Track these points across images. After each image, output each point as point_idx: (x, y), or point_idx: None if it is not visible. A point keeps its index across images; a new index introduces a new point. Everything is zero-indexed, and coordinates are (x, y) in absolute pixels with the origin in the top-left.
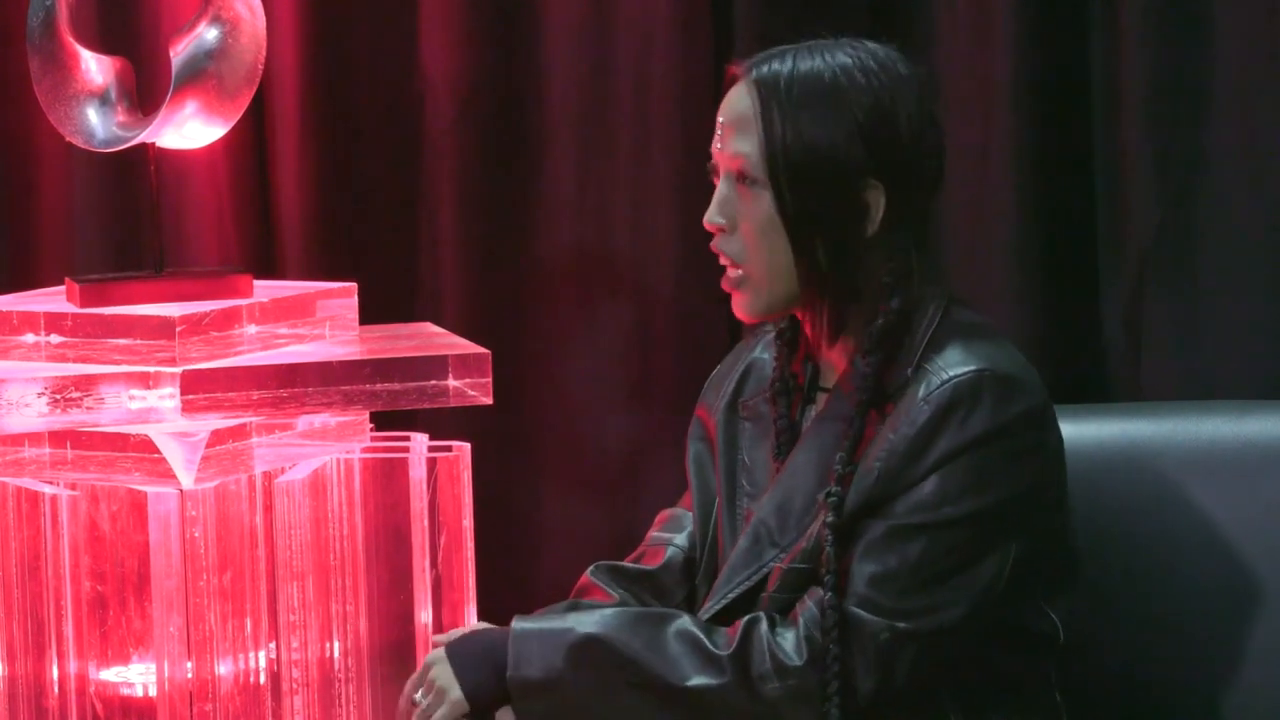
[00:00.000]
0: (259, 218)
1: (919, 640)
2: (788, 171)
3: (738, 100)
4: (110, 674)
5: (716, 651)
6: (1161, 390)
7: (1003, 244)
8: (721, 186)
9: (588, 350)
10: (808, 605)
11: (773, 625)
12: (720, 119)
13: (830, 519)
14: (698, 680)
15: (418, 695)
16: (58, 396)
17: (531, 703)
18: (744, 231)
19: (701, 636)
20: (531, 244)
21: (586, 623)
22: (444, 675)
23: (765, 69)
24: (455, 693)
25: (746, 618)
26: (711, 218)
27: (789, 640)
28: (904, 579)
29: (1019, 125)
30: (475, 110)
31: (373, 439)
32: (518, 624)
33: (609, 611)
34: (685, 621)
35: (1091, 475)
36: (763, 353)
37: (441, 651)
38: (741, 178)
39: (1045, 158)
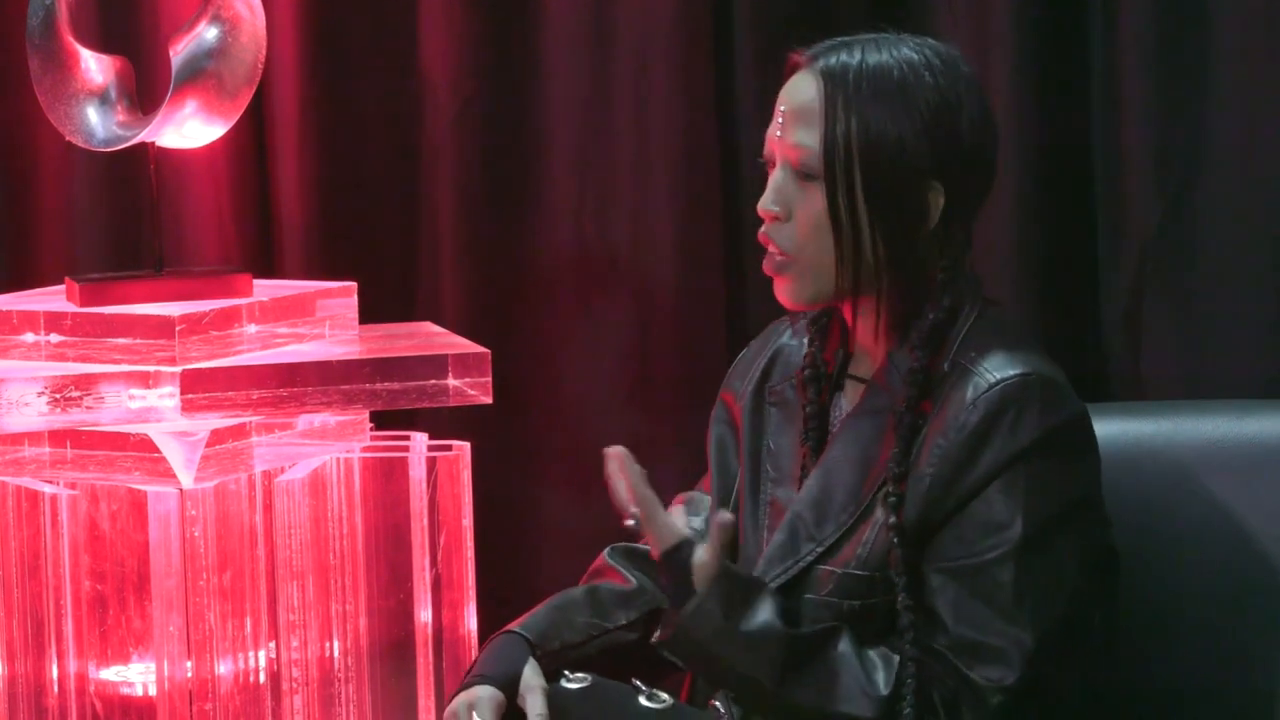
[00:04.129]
0: (259, 218)
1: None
2: (848, 166)
3: (802, 89)
4: (110, 673)
5: (879, 692)
6: (1161, 390)
7: (1003, 243)
8: (778, 175)
9: (588, 350)
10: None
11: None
12: (781, 107)
13: (892, 521)
14: (848, 709)
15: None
16: (58, 396)
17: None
18: (799, 222)
19: (863, 668)
20: (531, 244)
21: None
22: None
23: (833, 60)
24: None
25: (900, 659)
26: (767, 205)
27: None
28: (1007, 610)
29: (1019, 124)
30: (475, 110)
31: (373, 438)
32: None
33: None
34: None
35: None
36: (791, 339)
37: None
38: (801, 168)
39: (1045, 157)
